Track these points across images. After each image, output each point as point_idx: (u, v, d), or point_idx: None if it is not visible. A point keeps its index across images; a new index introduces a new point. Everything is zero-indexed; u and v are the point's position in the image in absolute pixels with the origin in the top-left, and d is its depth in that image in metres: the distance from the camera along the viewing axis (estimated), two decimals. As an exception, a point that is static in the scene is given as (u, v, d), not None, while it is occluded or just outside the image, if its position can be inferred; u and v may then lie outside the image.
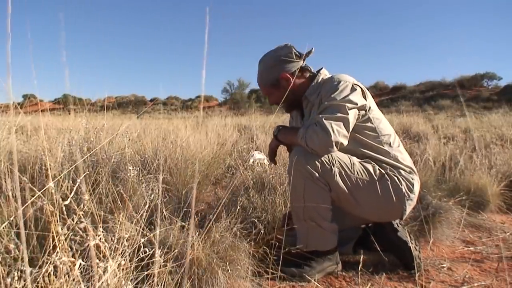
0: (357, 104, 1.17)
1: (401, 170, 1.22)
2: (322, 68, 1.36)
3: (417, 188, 1.23)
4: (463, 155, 2.40)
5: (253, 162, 2.32)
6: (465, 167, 2.22)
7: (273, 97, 1.36)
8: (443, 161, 2.38)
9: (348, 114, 1.15)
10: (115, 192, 1.24)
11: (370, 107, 1.24)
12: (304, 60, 1.33)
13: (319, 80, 1.30)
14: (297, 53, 1.31)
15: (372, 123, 1.24)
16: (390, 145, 1.25)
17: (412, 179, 1.22)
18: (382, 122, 1.27)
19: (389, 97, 20.72)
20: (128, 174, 1.42)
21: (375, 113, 1.27)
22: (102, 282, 0.69)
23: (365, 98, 1.23)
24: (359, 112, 1.20)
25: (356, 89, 1.20)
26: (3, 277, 0.67)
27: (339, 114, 1.14)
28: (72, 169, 1.20)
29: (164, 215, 1.17)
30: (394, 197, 1.18)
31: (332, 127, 1.11)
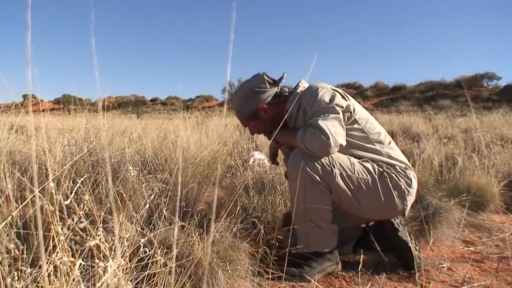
0: (342, 107, 1.20)
1: (397, 167, 1.22)
2: (301, 80, 1.38)
3: (415, 182, 1.24)
4: (463, 155, 2.40)
5: (253, 162, 2.32)
6: (465, 167, 2.22)
7: (253, 128, 1.39)
8: (443, 161, 2.38)
9: (339, 113, 1.17)
10: (115, 192, 1.24)
11: (354, 109, 1.26)
12: (278, 85, 1.36)
13: (298, 91, 1.32)
14: (270, 81, 1.33)
15: (359, 124, 1.25)
16: (381, 143, 1.26)
17: (409, 174, 1.23)
18: (369, 121, 1.29)
19: (389, 97, 20.70)
20: (128, 174, 1.42)
21: (361, 113, 1.28)
22: (102, 282, 0.69)
23: (346, 100, 1.25)
24: (344, 115, 1.22)
25: (336, 93, 1.23)
26: (3, 277, 0.67)
27: (331, 115, 1.16)
28: (71, 169, 1.21)
29: (164, 215, 1.17)
30: (395, 195, 1.18)
31: (329, 128, 1.12)
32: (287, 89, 1.39)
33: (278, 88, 1.36)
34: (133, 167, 1.48)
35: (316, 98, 1.21)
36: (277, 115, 1.30)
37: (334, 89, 1.25)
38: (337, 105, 1.19)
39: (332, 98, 1.20)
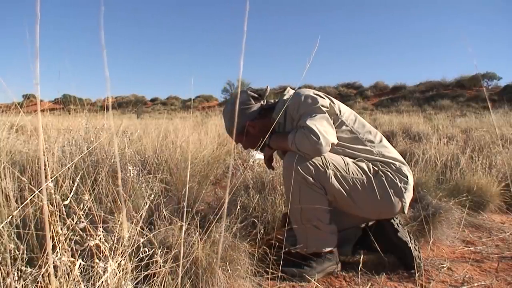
0: (327, 107, 1.22)
1: (391, 165, 1.23)
2: (287, 88, 1.39)
3: (411, 178, 1.24)
4: (464, 155, 2.40)
5: (253, 162, 2.32)
6: (466, 167, 2.22)
7: (245, 143, 1.41)
8: (444, 161, 2.38)
9: (325, 113, 1.19)
10: (115, 192, 1.24)
11: (340, 110, 1.27)
12: (263, 98, 1.39)
13: (284, 98, 1.33)
14: (255, 95, 1.37)
15: (347, 126, 1.26)
16: (372, 142, 1.27)
17: (404, 170, 1.23)
18: (357, 121, 1.30)
19: (389, 97, 20.63)
20: (128, 174, 1.42)
21: (347, 114, 1.30)
22: (102, 282, 0.69)
23: (329, 101, 1.27)
24: (330, 116, 1.22)
25: (318, 96, 1.25)
26: (3, 277, 0.67)
27: (318, 115, 1.18)
28: (71, 168, 1.20)
29: (164, 215, 1.17)
30: (391, 193, 1.19)
31: (318, 128, 1.13)
32: (273, 100, 1.42)
33: (264, 101, 1.39)
34: (133, 167, 1.48)
35: (300, 102, 1.23)
36: (265, 127, 1.31)
37: (316, 93, 1.28)
38: (322, 105, 1.21)
39: (316, 100, 1.22)
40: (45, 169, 1.22)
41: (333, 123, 1.22)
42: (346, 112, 1.30)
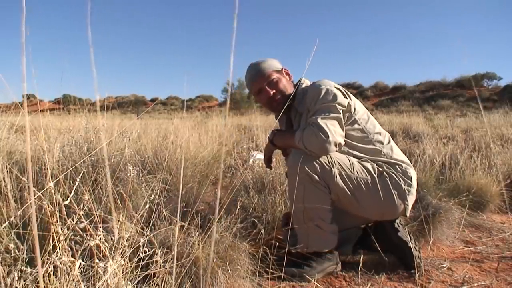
0: (344, 106, 1.20)
1: (397, 166, 1.23)
2: (301, 78, 1.39)
3: (415, 180, 1.24)
4: (463, 155, 2.40)
5: (253, 162, 2.32)
6: (465, 167, 2.22)
7: (275, 85, 1.30)
8: (443, 161, 2.38)
9: (340, 113, 1.18)
10: (115, 192, 1.24)
11: (355, 109, 1.27)
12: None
13: (303, 86, 1.33)
14: None
15: (359, 124, 1.26)
16: (381, 142, 1.27)
17: (409, 173, 1.23)
18: (369, 121, 1.29)
19: (389, 97, 20.67)
20: (128, 174, 1.42)
21: (361, 113, 1.29)
22: (102, 282, 0.69)
23: (347, 99, 1.25)
24: (344, 114, 1.22)
25: (338, 91, 1.23)
26: (3, 277, 0.67)
27: (332, 114, 1.16)
28: (71, 169, 1.20)
29: (164, 215, 1.17)
30: (395, 194, 1.18)
31: (328, 127, 1.12)
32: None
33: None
34: (133, 167, 1.48)
35: (319, 96, 1.21)
36: (290, 86, 1.34)
37: (337, 87, 1.24)
38: (339, 104, 1.19)
39: (335, 97, 1.20)
40: (44, 169, 1.23)
41: (346, 121, 1.22)
42: (360, 111, 1.29)
